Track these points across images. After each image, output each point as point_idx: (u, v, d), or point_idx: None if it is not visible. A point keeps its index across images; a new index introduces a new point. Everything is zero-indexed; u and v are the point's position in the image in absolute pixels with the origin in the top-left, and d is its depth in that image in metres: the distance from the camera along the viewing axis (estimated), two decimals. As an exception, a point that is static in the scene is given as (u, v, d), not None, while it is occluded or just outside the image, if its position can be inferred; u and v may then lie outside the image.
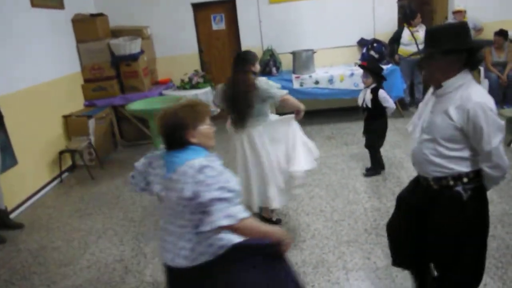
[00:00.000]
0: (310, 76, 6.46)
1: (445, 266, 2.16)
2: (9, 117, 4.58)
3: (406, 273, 2.67)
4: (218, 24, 7.40)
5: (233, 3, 7.13)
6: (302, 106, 3.51)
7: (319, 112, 7.28)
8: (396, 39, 6.83)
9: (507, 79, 6.43)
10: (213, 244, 1.85)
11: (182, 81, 6.82)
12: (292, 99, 3.49)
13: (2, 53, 4.67)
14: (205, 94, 6.54)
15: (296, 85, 6.47)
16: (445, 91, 1.98)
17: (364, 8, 6.99)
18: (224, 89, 3.47)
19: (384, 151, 5.08)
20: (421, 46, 6.64)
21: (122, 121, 6.84)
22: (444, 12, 7.38)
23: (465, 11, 6.60)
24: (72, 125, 5.78)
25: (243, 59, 3.44)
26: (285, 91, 3.42)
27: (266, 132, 3.44)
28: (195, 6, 7.20)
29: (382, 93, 4.33)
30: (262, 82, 3.35)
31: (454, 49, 1.91)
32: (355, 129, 6.28)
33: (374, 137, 4.57)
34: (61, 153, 5.47)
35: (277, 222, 3.77)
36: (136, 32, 6.79)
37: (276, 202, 3.45)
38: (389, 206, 3.85)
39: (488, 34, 6.62)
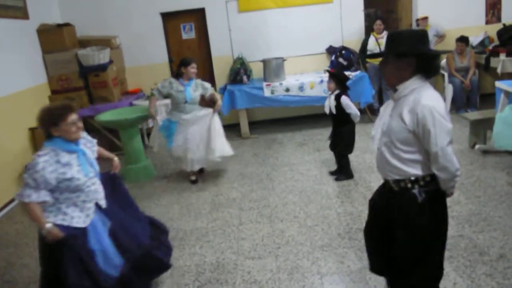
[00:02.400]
0: (281, 84, 6.52)
1: (404, 270, 2.19)
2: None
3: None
4: (188, 33, 7.39)
5: (202, 12, 7.14)
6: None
7: (291, 119, 7.36)
8: (364, 47, 6.99)
9: (470, 84, 6.67)
10: None
11: (152, 90, 6.75)
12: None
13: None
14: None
15: (267, 93, 6.52)
16: (400, 94, 2.05)
17: (331, 17, 7.13)
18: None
19: (354, 156, 5.17)
20: (385, 52, 6.82)
21: (92, 133, 6.67)
22: (408, 20, 7.62)
23: (428, 18, 6.84)
24: (39, 137, 5.62)
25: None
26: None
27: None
28: (164, 16, 7.18)
29: (344, 99, 4.40)
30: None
31: (404, 53, 1.98)
32: (326, 135, 6.28)
33: (342, 143, 4.62)
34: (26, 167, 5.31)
35: (194, 182, 5.07)
36: (105, 42, 6.70)
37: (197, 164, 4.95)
38: (361, 210, 3.91)
39: (451, 40, 6.86)
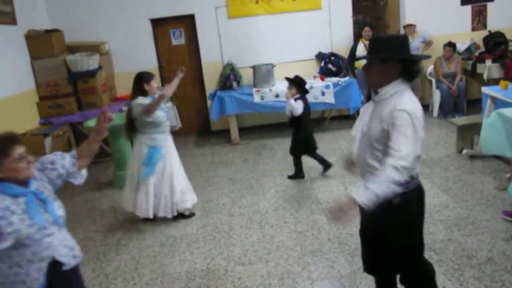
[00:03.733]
0: (271, 90, 6.55)
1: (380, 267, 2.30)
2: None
3: (370, 279, 2.73)
4: (178, 39, 7.39)
5: (192, 19, 7.15)
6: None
7: (280, 125, 7.37)
8: (352, 53, 7.06)
9: (457, 90, 6.76)
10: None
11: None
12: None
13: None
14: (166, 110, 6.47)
15: (257, 98, 6.54)
16: (381, 97, 2.09)
17: (320, 23, 7.19)
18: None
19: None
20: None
21: (81, 139, 6.66)
22: (396, 26, 7.72)
23: (415, 25, 6.93)
24: (27, 144, 5.43)
25: (138, 79, 3.99)
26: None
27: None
28: (154, 22, 7.17)
29: (291, 102, 4.67)
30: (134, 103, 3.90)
31: (389, 58, 2.03)
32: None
33: (297, 145, 4.91)
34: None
35: (191, 215, 4.32)
36: (94, 48, 6.67)
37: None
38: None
39: (438, 47, 6.96)
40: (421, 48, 7.02)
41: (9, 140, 1.92)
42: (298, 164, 5.01)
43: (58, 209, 2.07)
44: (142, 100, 3.86)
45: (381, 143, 2.05)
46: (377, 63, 2.07)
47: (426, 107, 7.38)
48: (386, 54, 2.03)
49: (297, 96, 4.74)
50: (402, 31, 7.21)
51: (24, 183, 1.96)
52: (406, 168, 1.89)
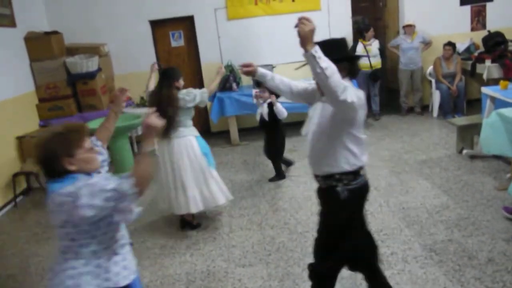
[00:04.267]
0: (270, 91, 6.54)
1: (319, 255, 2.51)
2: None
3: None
4: (177, 41, 7.39)
5: (191, 20, 7.15)
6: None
7: (281, 126, 7.37)
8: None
9: (457, 90, 6.75)
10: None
11: (142, 98, 6.74)
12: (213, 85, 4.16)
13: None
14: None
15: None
16: None
17: (320, 24, 7.07)
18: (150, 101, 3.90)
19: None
20: (372, 59, 6.90)
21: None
22: (395, 27, 7.72)
23: (414, 26, 6.92)
24: (26, 146, 5.56)
25: (168, 75, 3.82)
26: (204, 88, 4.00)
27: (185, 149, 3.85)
28: (153, 23, 7.17)
29: (278, 106, 4.68)
30: (182, 93, 3.81)
31: (342, 58, 2.18)
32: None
33: (274, 148, 4.99)
34: (15, 176, 5.25)
35: (197, 226, 4.11)
36: (93, 50, 6.66)
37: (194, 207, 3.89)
38: (351, 215, 3.93)
39: (438, 47, 6.95)
40: (420, 49, 7.02)
41: (81, 132, 1.87)
42: (278, 167, 5.08)
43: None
44: (190, 90, 3.89)
45: (332, 139, 2.21)
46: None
47: (426, 108, 7.38)
48: (339, 55, 2.17)
49: (270, 100, 4.74)
50: (401, 32, 7.21)
51: (90, 175, 1.87)
52: (349, 97, 1.96)
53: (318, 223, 2.52)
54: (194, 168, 3.87)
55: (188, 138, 3.88)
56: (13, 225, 4.73)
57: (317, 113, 2.30)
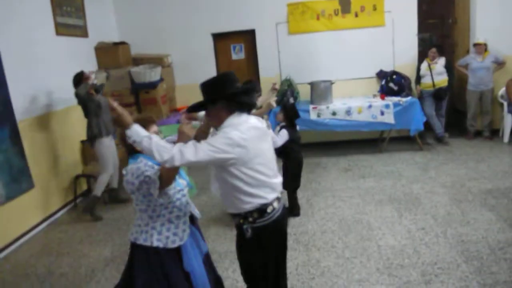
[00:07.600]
0: (328, 107, 6.42)
1: None
2: (28, 141, 4.67)
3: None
4: (238, 54, 7.49)
5: (252, 34, 7.22)
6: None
7: (336, 144, 7.21)
8: (418, 73, 6.78)
9: (532, 114, 6.24)
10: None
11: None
12: None
13: (27, 79, 4.82)
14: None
15: (313, 115, 6.43)
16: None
17: (383, 40, 6.96)
18: None
19: (401, 185, 4.96)
20: (435, 77, 6.56)
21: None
22: (465, 45, 7.29)
23: (485, 44, 6.50)
24: (89, 150, 5.84)
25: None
26: None
27: None
28: (215, 36, 7.33)
29: (270, 132, 3.76)
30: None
31: (215, 99, 2.18)
32: (373, 162, 6.17)
33: (287, 178, 4.25)
34: (76, 177, 5.53)
35: None
36: (157, 60, 6.92)
37: None
38: (404, 244, 3.70)
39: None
40: (492, 69, 6.57)
41: (148, 120, 2.38)
42: (292, 201, 4.52)
43: (186, 175, 2.57)
44: None
45: (230, 176, 2.16)
46: (210, 106, 2.23)
47: (496, 132, 6.87)
48: (211, 97, 2.19)
49: (283, 124, 4.35)
50: (472, 50, 6.79)
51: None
52: (182, 158, 1.99)
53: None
54: None
55: None
56: (71, 224, 4.96)
57: None
